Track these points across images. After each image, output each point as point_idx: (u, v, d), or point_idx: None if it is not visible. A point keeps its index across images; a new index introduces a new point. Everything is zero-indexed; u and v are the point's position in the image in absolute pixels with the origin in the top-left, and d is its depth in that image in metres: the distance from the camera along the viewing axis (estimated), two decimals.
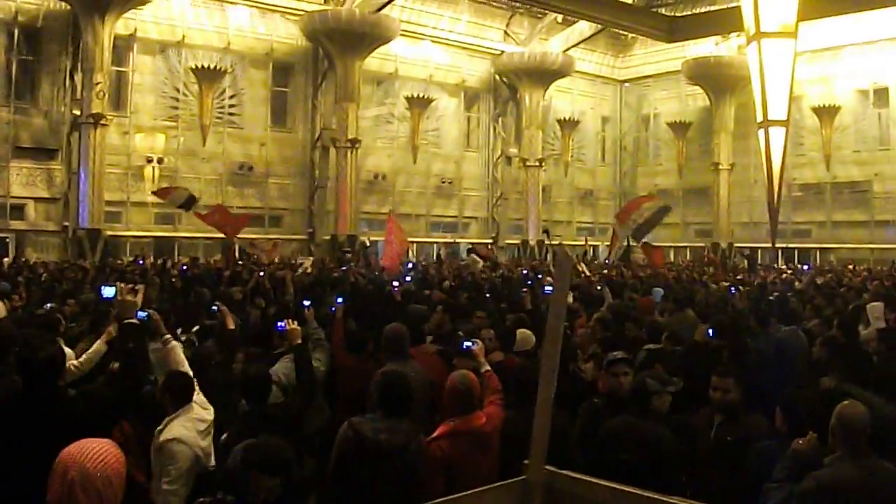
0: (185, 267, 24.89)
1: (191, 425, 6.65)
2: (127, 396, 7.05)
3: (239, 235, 27.59)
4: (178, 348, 7.57)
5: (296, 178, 38.78)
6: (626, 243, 31.28)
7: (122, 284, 9.47)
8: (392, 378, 7.22)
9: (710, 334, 10.31)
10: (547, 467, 6.11)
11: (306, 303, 10.66)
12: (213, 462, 6.70)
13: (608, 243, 43.84)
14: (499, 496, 6.11)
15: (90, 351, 9.05)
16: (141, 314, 7.84)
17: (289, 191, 38.38)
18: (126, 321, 8.18)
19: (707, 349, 10.09)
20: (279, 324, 8.97)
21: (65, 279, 19.82)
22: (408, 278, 18.71)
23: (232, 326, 9.43)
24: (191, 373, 7.24)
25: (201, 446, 6.61)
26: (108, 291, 9.66)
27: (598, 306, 14.60)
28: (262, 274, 18.05)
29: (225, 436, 7.00)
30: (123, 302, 8.38)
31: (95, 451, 3.53)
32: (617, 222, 32.73)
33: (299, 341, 8.55)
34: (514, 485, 6.13)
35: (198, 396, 6.94)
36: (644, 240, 28.98)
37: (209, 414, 6.87)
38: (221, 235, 27.44)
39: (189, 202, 27.03)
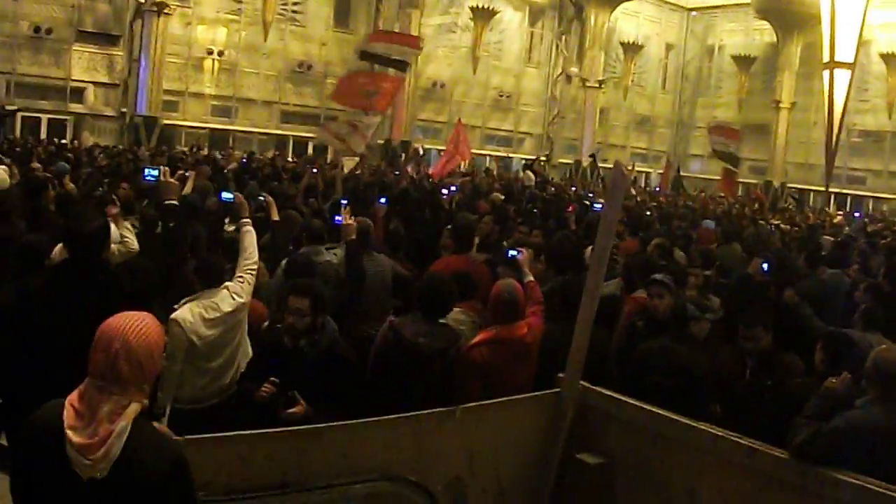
0: (244, 160, 25.00)
1: (198, 311, 6.83)
2: (168, 273, 7.17)
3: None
4: (250, 233, 7.60)
5: None
6: (678, 172, 31.23)
7: (165, 167, 9.65)
8: (433, 281, 7.31)
9: (765, 269, 10.29)
10: (581, 382, 6.24)
11: (344, 201, 10.76)
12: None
13: (661, 170, 43.82)
14: (532, 406, 6.25)
15: (126, 238, 9.13)
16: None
17: None
18: (166, 202, 8.36)
19: (756, 283, 10.14)
20: (336, 217, 9.17)
21: (121, 164, 20.02)
22: (453, 188, 18.61)
23: (276, 217, 9.53)
24: (254, 258, 7.41)
25: (199, 333, 6.79)
26: (151, 173, 9.85)
27: (646, 230, 14.60)
28: (315, 171, 18.15)
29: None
30: (165, 183, 8.54)
31: (137, 324, 3.62)
32: (708, 132, 32.66)
33: (353, 237, 8.68)
34: (548, 396, 6.27)
35: (235, 284, 7.08)
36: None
37: (229, 305, 6.97)
38: (275, 131, 26.76)
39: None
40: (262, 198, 10.22)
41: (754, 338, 7.08)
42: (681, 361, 7.04)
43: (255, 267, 7.41)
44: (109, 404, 3.49)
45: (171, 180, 8.67)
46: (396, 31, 36.17)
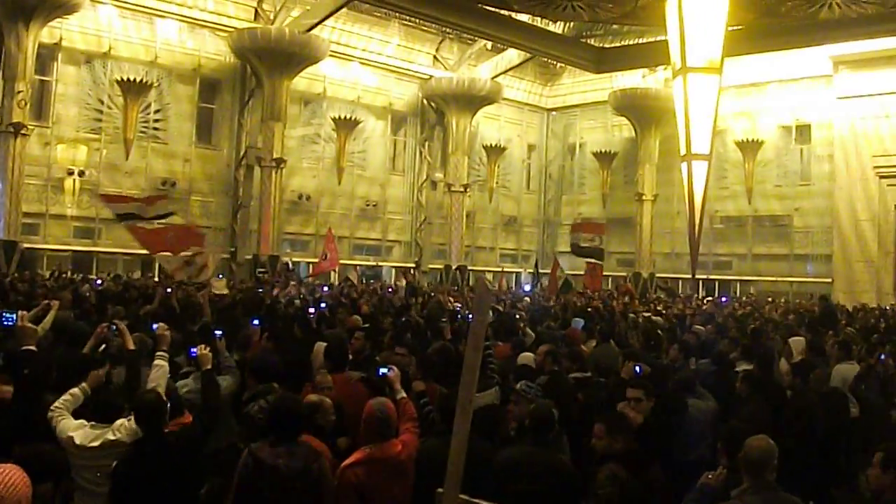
0: (99, 282, 24.45)
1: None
2: (23, 422, 6.93)
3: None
4: (157, 369, 7.98)
5: (219, 196, 38.41)
6: (564, 277, 31.56)
7: (23, 312, 9.38)
8: (282, 402, 7.29)
9: (637, 372, 10.32)
10: (462, 496, 6.08)
11: (218, 332, 10.60)
12: None
13: (531, 270, 44.21)
14: None
15: None
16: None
17: (211, 209, 37.98)
18: (24, 348, 8.15)
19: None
20: (192, 350, 8.94)
21: None
22: (322, 305, 18.48)
23: (131, 346, 9.19)
24: (159, 392, 7.60)
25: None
26: (8, 316, 9.60)
27: (514, 335, 14.58)
28: (168, 291, 17.82)
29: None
30: (23, 328, 8.32)
31: (3, 476, 3.62)
32: (571, 230, 33.09)
33: (209, 366, 8.54)
34: None
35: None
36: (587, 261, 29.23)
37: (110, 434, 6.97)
38: (142, 251, 26.19)
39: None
40: (114, 326, 9.77)
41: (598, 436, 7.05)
42: (544, 466, 7.02)
43: None
44: None
45: (28, 325, 8.51)
46: (259, 145, 36.26)
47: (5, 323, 9.62)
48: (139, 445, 6.87)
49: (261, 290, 24.48)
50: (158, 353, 8.27)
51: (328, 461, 6.96)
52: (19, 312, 9.83)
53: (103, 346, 9.82)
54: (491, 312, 18.50)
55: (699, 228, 33.05)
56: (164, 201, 21.97)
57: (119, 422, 7.13)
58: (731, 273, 44.63)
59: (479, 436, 6.40)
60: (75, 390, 7.74)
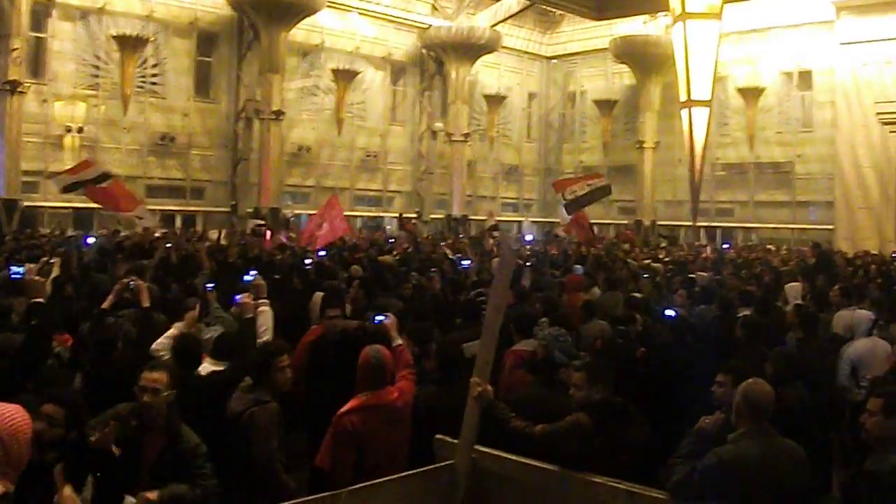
0: (89, 239, 24.35)
1: None
2: (29, 369, 6.98)
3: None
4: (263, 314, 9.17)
5: (219, 150, 38.27)
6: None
7: (31, 265, 9.42)
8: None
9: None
10: (476, 447, 6.13)
11: (210, 285, 10.69)
12: None
13: (534, 219, 44.25)
14: (424, 481, 6.10)
15: None
16: None
17: (211, 162, 37.89)
18: (33, 300, 8.24)
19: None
20: (236, 297, 9.40)
21: None
22: (321, 252, 18.55)
23: (146, 304, 9.28)
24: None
25: None
26: (17, 270, 9.69)
27: (517, 283, 14.59)
28: (168, 246, 17.88)
29: None
30: (32, 282, 8.38)
31: (4, 412, 3.76)
32: (553, 189, 32.76)
33: (251, 315, 8.92)
34: (439, 470, 6.13)
35: None
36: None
37: None
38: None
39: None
40: (132, 284, 9.74)
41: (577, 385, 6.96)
42: (550, 406, 6.95)
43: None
44: None
45: (37, 278, 8.62)
46: (258, 98, 36.26)
47: (14, 276, 9.73)
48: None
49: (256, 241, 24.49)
50: (261, 301, 9.21)
51: None
52: (27, 266, 9.87)
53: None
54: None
55: (700, 175, 33.13)
56: (94, 166, 22.05)
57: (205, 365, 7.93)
58: (733, 220, 44.57)
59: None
60: (174, 331, 8.50)
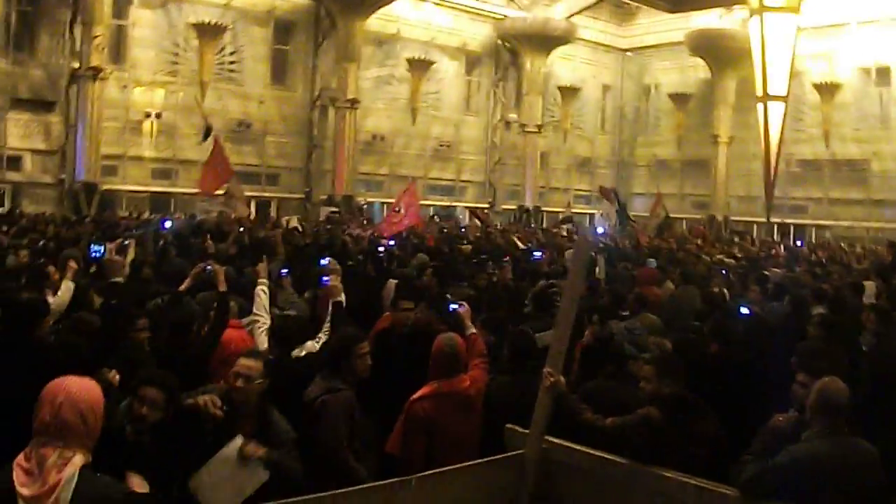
0: (167, 222, 24.71)
1: None
2: (106, 350, 7.10)
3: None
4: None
5: (294, 137, 38.60)
6: (665, 215, 31.25)
7: (111, 244, 9.53)
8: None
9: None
10: (547, 437, 6.17)
11: (284, 271, 10.80)
12: None
13: (602, 212, 44.02)
14: (493, 470, 6.17)
15: (61, 290, 9.14)
16: None
17: (286, 149, 38.21)
18: (112, 280, 8.31)
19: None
20: (324, 278, 9.58)
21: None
22: (391, 243, 18.62)
23: (223, 288, 9.30)
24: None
25: None
26: (96, 248, 9.77)
27: (590, 275, 14.60)
28: (241, 230, 18.08)
29: None
30: (111, 262, 8.49)
31: (79, 382, 3.85)
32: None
33: (340, 298, 8.91)
34: (508, 459, 6.19)
35: None
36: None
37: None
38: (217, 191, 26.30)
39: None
40: (208, 268, 9.81)
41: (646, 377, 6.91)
42: (620, 398, 6.94)
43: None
44: (55, 456, 3.65)
45: (117, 258, 8.67)
46: (334, 86, 36.53)
47: (94, 255, 9.85)
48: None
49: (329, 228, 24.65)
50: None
51: None
52: (106, 245, 9.98)
53: None
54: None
55: (775, 171, 32.85)
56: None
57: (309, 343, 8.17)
58: (807, 217, 43.97)
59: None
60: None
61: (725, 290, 14.63)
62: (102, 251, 9.92)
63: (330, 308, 8.80)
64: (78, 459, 3.67)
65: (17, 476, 3.63)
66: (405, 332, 8.89)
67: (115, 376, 6.22)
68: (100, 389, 3.93)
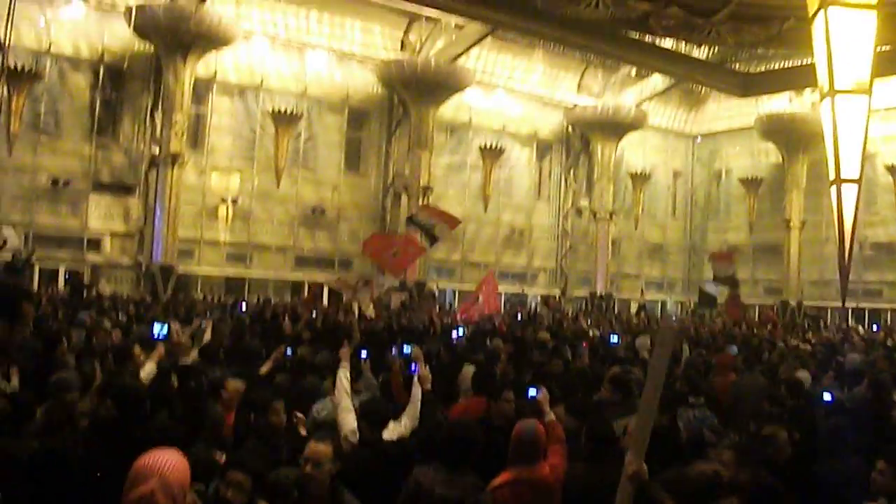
0: (243, 305, 25.11)
1: None
2: (190, 431, 7.20)
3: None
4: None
5: (367, 223, 39.00)
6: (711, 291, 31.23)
7: (176, 326, 9.57)
8: (456, 428, 7.01)
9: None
10: None
11: (363, 354, 10.88)
12: None
13: (678, 299, 43.88)
14: None
15: (145, 371, 9.26)
16: None
17: (359, 235, 38.36)
18: (181, 364, 8.35)
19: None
20: (413, 366, 9.51)
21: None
22: (461, 332, 18.58)
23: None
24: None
25: None
26: (160, 331, 9.75)
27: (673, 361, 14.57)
28: (314, 315, 18.27)
29: None
30: (177, 345, 8.53)
31: (171, 461, 3.84)
32: (713, 261, 32.98)
33: (428, 387, 8.89)
34: None
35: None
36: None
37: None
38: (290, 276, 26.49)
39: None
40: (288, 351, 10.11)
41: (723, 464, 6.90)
42: (700, 485, 6.79)
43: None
44: None
45: (183, 340, 8.67)
46: (406, 173, 36.88)
47: (156, 337, 9.80)
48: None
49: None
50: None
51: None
52: (170, 325, 10.02)
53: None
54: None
55: (850, 255, 32.53)
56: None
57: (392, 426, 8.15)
58: (882, 301, 43.46)
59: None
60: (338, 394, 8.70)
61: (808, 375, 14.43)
62: (165, 331, 9.88)
63: (418, 394, 8.85)
64: None
65: None
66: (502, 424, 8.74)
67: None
68: (187, 465, 3.95)
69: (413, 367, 9.48)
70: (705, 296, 33.12)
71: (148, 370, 9.32)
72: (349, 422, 8.14)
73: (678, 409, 9.67)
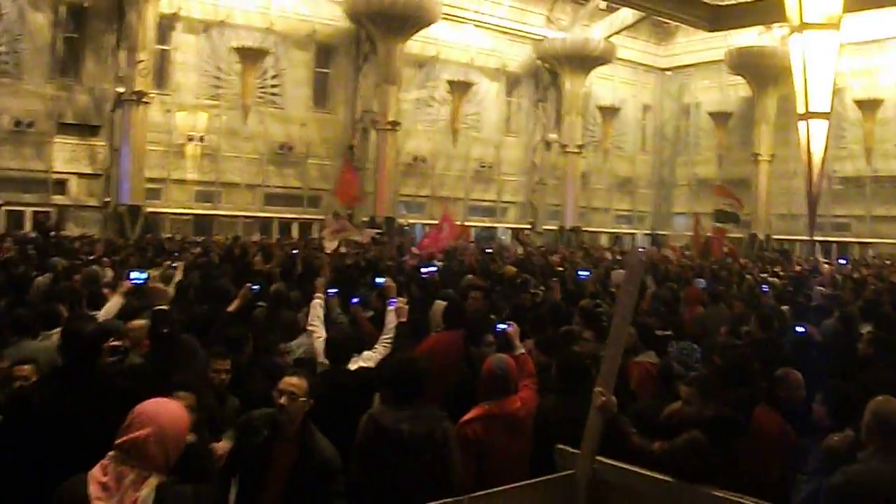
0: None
1: None
2: (160, 377, 7.15)
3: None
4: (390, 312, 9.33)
5: (335, 160, 38.61)
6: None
7: (153, 273, 9.58)
8: (401, 364, 7.00)
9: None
10: (598, 458, 6.15)
11: (332, 291, 10.89)
12: None
13: (647, 231, 43.94)
14: (544, 491, 6.14)
15: (110, 304, 9.23)
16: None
17: (328, 171, 38.25)
18: (156, 308, 8.36)
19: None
20: (391, 300, 9.61)
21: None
22: (433, 267, 18.50)
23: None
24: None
25: None
26: (138, 276, 9.76)
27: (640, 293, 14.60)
28: (295, 252, 18.22)
29: None
30: (154, 290, 8.51)
31: (170, 412, 3.97)
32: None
33: (405, 319, 9.24)
34: (560, 479, 6.17)
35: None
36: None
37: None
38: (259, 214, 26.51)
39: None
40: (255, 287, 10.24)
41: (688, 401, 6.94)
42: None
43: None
44: (132, 475, 3.74)
45: (160, 286, 8.69)
46: (374, 108, 36.65)
47: (135, 282, 9.79)
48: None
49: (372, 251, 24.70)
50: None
51: None
52: (148, 272, 9.99)
53: None
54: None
55: (817, 189, 32.61)
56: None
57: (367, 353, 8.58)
58: (850, 235, 43.72)
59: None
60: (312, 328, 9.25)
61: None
62: (145, 279, 9.87)
63: (393, 324, 9.01)
64: (153, 480, 3.75)
65: (93, 489, 3.70)
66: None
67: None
68: (187, 418, 4.03)
69: (391, 301, 9.52)
70: (724, 213, 33.39)
71: (113, 303, 9.29)
72: (319, 349, 8.34)
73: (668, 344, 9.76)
